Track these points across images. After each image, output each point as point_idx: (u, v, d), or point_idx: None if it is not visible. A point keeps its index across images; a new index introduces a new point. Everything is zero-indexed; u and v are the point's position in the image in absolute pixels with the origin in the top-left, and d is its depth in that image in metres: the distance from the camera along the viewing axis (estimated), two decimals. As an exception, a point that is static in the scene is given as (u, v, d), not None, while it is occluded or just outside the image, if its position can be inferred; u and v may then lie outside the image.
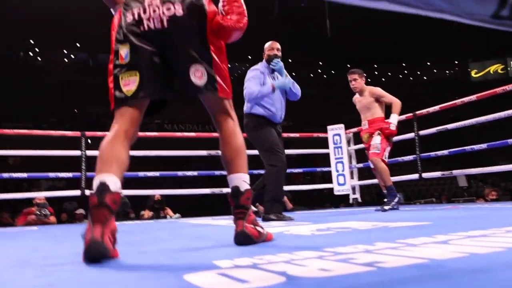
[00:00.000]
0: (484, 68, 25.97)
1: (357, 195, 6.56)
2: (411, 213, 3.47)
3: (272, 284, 0.87)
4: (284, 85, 3.60)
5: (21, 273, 1.24)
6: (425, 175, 5.50)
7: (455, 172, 5.38)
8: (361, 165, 6.69)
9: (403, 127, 5.48)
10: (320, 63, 25.51)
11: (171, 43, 1.53)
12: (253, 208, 3.60)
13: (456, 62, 27.52)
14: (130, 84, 1.51)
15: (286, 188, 7.03)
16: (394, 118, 4.35)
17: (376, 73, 27.43)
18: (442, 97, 11.72)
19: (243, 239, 1.58)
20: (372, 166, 4.41)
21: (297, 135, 6.98)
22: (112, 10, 1.66)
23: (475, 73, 26.10)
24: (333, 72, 26.87)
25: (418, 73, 28.14)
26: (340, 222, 2.70)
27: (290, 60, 24.29)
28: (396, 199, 4.15)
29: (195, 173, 6.35)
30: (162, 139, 6.69)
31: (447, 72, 28.69)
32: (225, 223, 3.61)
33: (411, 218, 2.68)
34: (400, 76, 27.74)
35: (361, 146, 6.80)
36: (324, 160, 7.71)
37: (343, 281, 0.87)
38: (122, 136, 1.50)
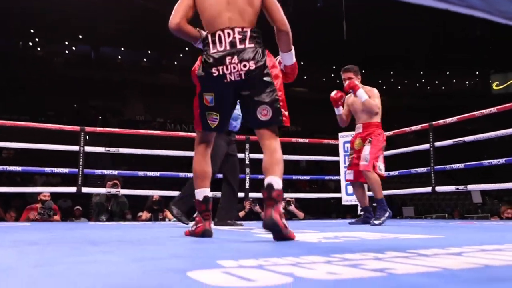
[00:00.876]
0: (506, 80, 25.86)
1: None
2: (422, 227, 3.47)
3: (280, 284, 0.88)
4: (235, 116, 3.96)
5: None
6: (439, 188, 5.49)
7: (470, 187, 5.37)
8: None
9: (417, 137, 5.49)
10: (334, 67, 25.53)
11: (246, 90, 2.15)
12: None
13: (477, 72, 27.45)
14: (213, 121, 2.26)
15: (293, 195, 7.04)
16: (362, 92, 4.16)
17: (392, 80, 27.42)
18: (460, 108, 11.70)
19: (270, 223, 1.95)
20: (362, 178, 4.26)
21: (306, 140, 7.00)
22: (194, 44, 2.36)
23: (497, 85, 26.01)
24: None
25: (436, 82, 28.09)
26: (348, 232, 2.71)
27: (302, 63, 24.36)
28: (387, 214, 3.95)
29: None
30: (164, 138, 6.73)
31: (467, 83, 28.62)
32: (227, 228, 3.62)
33: (423, 231, 2.68)
34: (417, 85, 27.69)
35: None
36: (334, 168, 7.70)
37: (352, 285, 0.88)
38: (207, 155, 2.36)
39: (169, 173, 6.10)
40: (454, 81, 27.87)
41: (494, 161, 4.95)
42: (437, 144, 5.54)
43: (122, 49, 22.96)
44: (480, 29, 18.23)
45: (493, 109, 4.93)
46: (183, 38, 2.33)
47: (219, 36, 2.16)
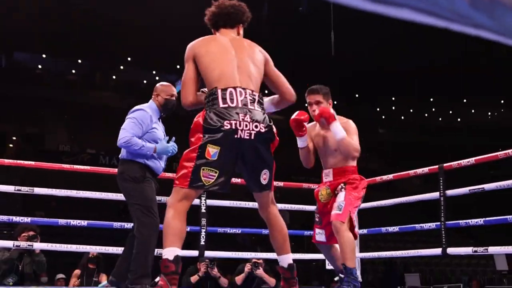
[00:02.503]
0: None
1: (357, 272, 6.56)
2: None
3: None
4: (167, 152, 4.19)
5: None
6: (451, 250, 5.56)
7: (492, 249, 5.46)
8: (365, 231, 6.74)
9: (424, 183, 5.59)
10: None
11: (253, 151, 2.66)
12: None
13: (502, 101, 28.24)
14: (209, 177, 2.61)
15: (262, 256, 7.02)
16: (339, 126, 3.88)
17: (393, 108, 28.01)
18: (480, 147, 12.00)
19: None
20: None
21: (280, 184, 7.02)
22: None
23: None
24: (335, 102, 27.31)
25: (450, 112, 28.78)
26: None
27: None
28: None
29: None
30: (96, 176, 6.64)
31: (489, 114, 29.40)
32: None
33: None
34: (426, 115, 28.32)
35: (367, 204, 6.91)
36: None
37: None
38: (184, 214, 2.71)
39: (100, 222, 6.00)
40: (473, 111, 28.61)
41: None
42: (449, 192, 5.63)
43: (44, 56, 22.83)
44: (505, 47, 18.82)
45: (520, 150, 5.06)
46: None
47: (231, 93, 2.64)
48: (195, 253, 6.11)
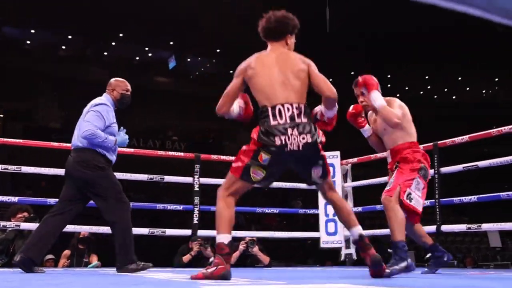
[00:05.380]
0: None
1: (352, 250, 6.62)
2: (424, 279, 3.51)
3: None
4: (124, 144, 4.52)
5: None
6: (445, 227, 5.61)
7: (486, 226, 5.51)
8: (359, 208, 6.78)
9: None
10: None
11: (302, 158, 3.14)
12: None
13: (496, 79, 28.28)
14: (257, 175, 3.12)
15: (256, 234, 7.06)
16: (378, 94, 3.95)
17: (389, 86, 27.97)
18: (475, 125, 12.03)
19: (377, 260, 3.18)
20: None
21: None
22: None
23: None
24: (331, 80, 27.25)
25: (445, 90, 28.80)
26: (324, 284, 2.73)
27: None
28: (404, 264, 3.68)
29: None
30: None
31: (484, 92, 29.45)
32: (167, 278, 3.59)
33: (423, 285, 2.71)
34: (421, 92, 28.34)
35: (361, 182, 6.94)
36: (311, 199, 7.78)
37: None
38: (233, 204, 3.19)
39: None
40: (467, 88, 28.65)
41: (515, 194, 5.11)
42: (444, 169, 5.67)
43: (33, 31, 22.61)
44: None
45: (515, 127, 5.08)
46: None
47: (279, 110, 3.09)
48: (188, 232, 6.13)
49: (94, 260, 6.74)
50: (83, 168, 4.21)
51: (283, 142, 3.03)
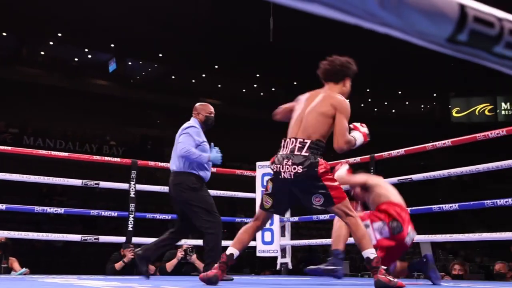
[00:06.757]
0: (469, 107, 27.75)
1: (288, 260, 6.69)
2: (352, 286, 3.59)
3: None
4: (217, 160, 4.97)
5: None
6: (380, 239, 5.73)
7: (418, 238, 5.67)
8: (296, 218, 6.86)
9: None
10: (257, 75, 26.04)
11: (295, 186, 3.51)
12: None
13: (435, 95, 29.16)
14: (267, 203, 3.60)
15: (192, 242, 7.05)
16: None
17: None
18: (413, 138, 12.37)
19: (380, 285, 3.33)
20: None
21: (213, 169, 7.05)
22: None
23: (457, 112, 27.82)
24: (273, 89, 27.49)
25: (386, 103, 29.49)
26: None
27: (216, 67, 24.64)
28: (331, 268, 4.05)
29: (61, 210, 6.18)
30: (19, 157, 6.49)
31: (422, 106, 30.31)
32: (98, 285, 3.55)
33: None
34: (362, 105, 28.91)
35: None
36: (250, 207, 7.82)
37: None
38: (254, 229, 3.74)
39: (20, 206, 5.88)
40: (407, 103, 29.41)
41: (446, 206, 5.28)
42: (379, 182, 5.80)
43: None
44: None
45: (447, 142, 5.26)
46: None
47: (286, 142, 3.58)
48: (122, 239, 6.07)
49: (15, 265, 6.54)
50: (178, 191, 4.82)
51: (278, 169, 3.49)
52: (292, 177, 3.44)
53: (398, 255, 4.22)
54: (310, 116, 3.58)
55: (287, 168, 3.45)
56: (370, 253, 3.37)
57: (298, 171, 3.43)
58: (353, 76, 3.86)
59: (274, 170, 3.54)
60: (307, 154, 3.48)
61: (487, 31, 0.77)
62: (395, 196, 4.30)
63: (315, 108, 3.59)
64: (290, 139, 3.57)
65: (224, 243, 4.88)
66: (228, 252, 3.60)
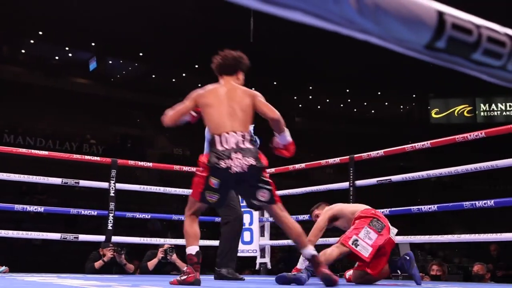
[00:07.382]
0: (448, 108, 27.98)
1: (267, 260, 6.69)
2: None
3: None
4: None
5: None
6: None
7: (397, 238, 5.70)
8: (271, 219, 6.85)
9: (338, 172, 5.73)
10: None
11: (246, 179, 3.48)
12: None
13: (414, 96, 29.37)
14: (212, 198, 3.53)
15: (172, 242, 7.03)
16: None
17: (310, 97, 28.51)
18: (392, 139, 12.45)
19: (327, 278, 3.40)
20: None
21: (193, 169, 7.02)
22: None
23: (436, 113, 28.03)
24: (253, 89, 27.41)
25: (365, 104, 29.63)
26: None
27: (196, 66, 24.59)
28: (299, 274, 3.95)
29: (40, 208, 6.13)
30: (-2, 155, 6.42)
31: (402, 107, 30.52)
32: (77, 284, 3.53)
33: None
34: (342, 105, 29.04)
35: (280, 192, 7.01)
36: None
37: None
38: (197, 221, 3.70)
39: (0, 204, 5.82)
40: (386, 104, 29.59)
41: (425, 207, 5.31)
42: (359, 182, 5.83)
43: None
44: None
45: (426, 143, 5.29)
46: None
47: (225, 137, 3.50)
48: (102, 238, 6.02)
49: None
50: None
51: (228, 164, 3.42)
52: (246, 170, 3.42)
53: (388, 253, 4.25)
54: (238, 110, 3.61)
55: (238, 162, 3.43)
56: (311, 249, 3.44)
57: (252, 163, 3.44)
58: (246, 70, 3.98)
59: (224, 166, 3.44)
60: (251, 146, 3.53)
61: (465, 38, 0.77)
62: (361, 206, 4.42)
63: (240, 101, 3.66)
64: (228, 133, 3.52)
65: (201, 242, 4.86)
66: (193, 251, 3.58)
